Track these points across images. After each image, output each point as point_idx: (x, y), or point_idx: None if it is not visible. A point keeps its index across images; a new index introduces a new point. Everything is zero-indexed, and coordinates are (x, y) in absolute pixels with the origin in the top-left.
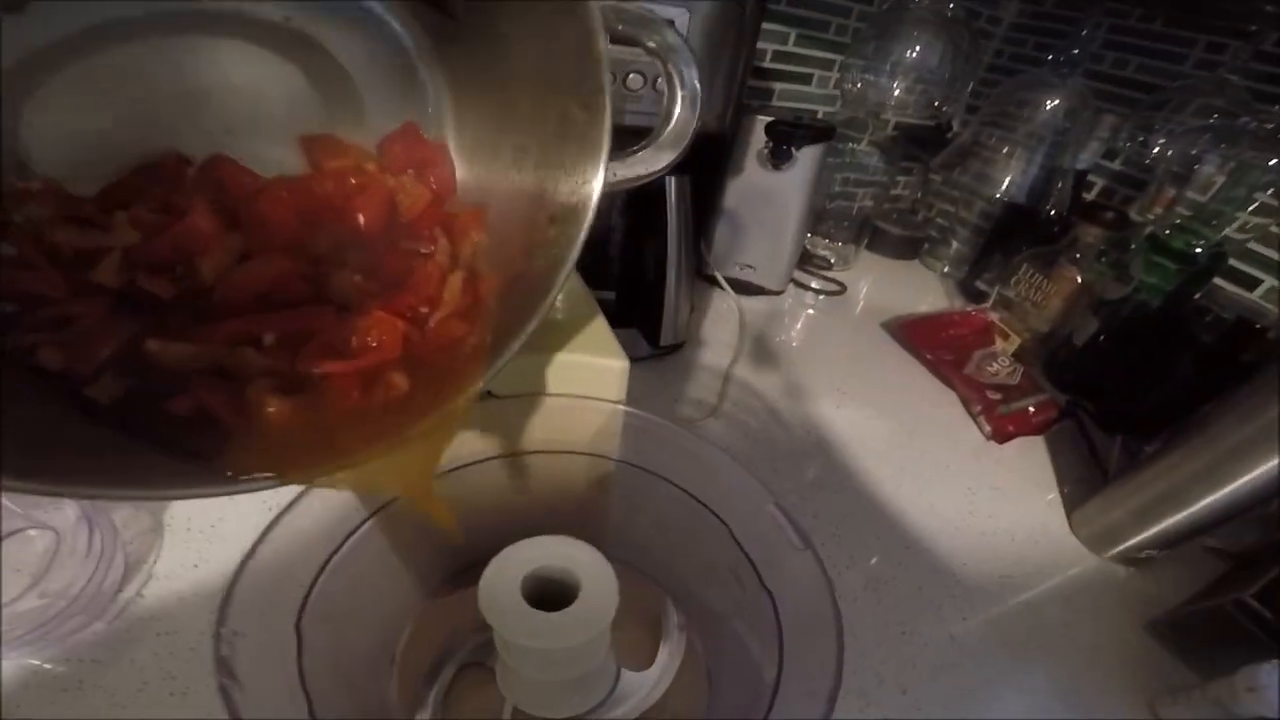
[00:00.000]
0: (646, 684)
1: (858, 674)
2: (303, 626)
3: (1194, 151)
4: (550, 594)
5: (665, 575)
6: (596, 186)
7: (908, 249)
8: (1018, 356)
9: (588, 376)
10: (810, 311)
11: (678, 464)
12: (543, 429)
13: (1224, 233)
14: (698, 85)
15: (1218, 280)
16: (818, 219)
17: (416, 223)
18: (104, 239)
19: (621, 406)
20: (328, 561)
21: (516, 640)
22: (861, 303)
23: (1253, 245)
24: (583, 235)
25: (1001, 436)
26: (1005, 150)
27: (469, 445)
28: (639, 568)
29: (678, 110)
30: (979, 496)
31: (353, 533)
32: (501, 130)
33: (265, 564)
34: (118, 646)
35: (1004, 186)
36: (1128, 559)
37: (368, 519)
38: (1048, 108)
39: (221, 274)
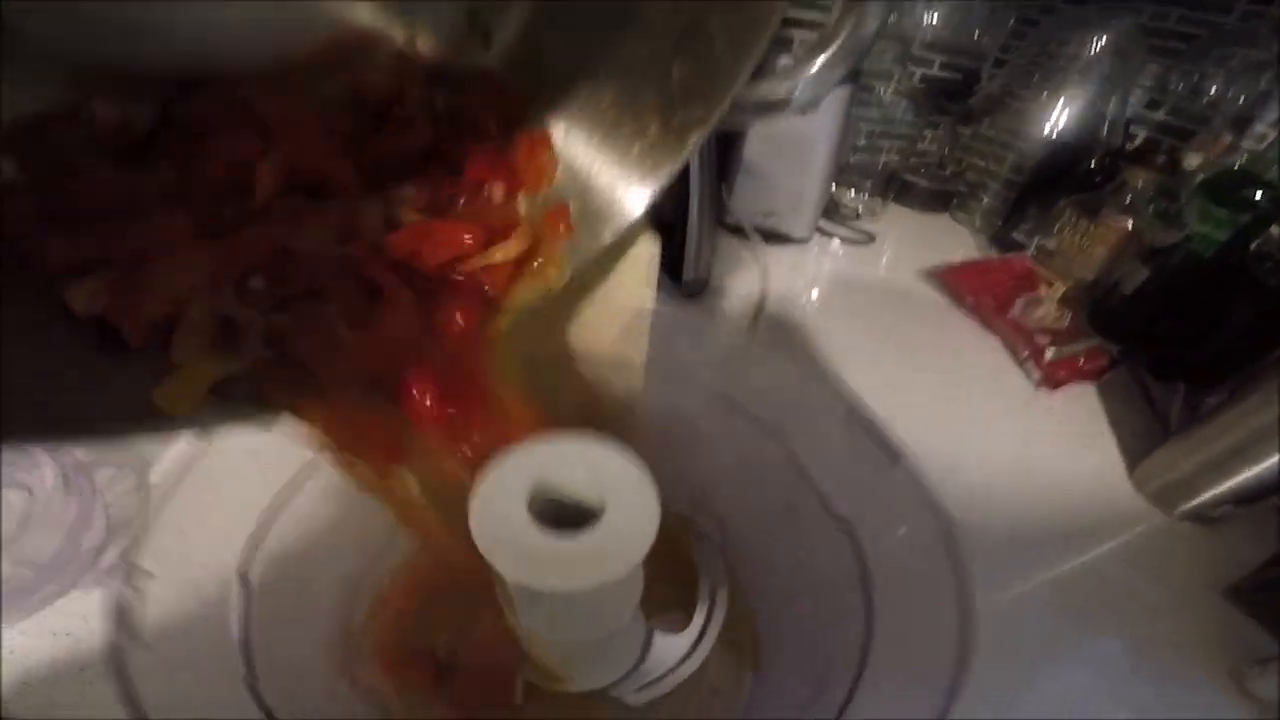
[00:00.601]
0: (681, 650)
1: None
2: (251, 573)
3: (1261, 88)
4: (566, 519)
5: (703, 516)
6: (712, 117)
7: (937, 202)
8: (1064, 303)
9: (610, 263)
10: (838, 260)
11: (719, 370)
12: (555, 331)
13: None
14: None
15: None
16: (841, 172)
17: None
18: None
19: (651, 295)
20: (289, 489)
21: (519, 576)
22: (891, 252)
23: None
24: (676, 167)
25: (1052, 383)
26: (1044, 95)
27: None
28: (670, 507)
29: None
30: (1031, 448)
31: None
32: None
33: (205, 485)
34: (93, 617)
35: (1044, 132)
36: (1199, 517)
37: None
38: (1094, 50)
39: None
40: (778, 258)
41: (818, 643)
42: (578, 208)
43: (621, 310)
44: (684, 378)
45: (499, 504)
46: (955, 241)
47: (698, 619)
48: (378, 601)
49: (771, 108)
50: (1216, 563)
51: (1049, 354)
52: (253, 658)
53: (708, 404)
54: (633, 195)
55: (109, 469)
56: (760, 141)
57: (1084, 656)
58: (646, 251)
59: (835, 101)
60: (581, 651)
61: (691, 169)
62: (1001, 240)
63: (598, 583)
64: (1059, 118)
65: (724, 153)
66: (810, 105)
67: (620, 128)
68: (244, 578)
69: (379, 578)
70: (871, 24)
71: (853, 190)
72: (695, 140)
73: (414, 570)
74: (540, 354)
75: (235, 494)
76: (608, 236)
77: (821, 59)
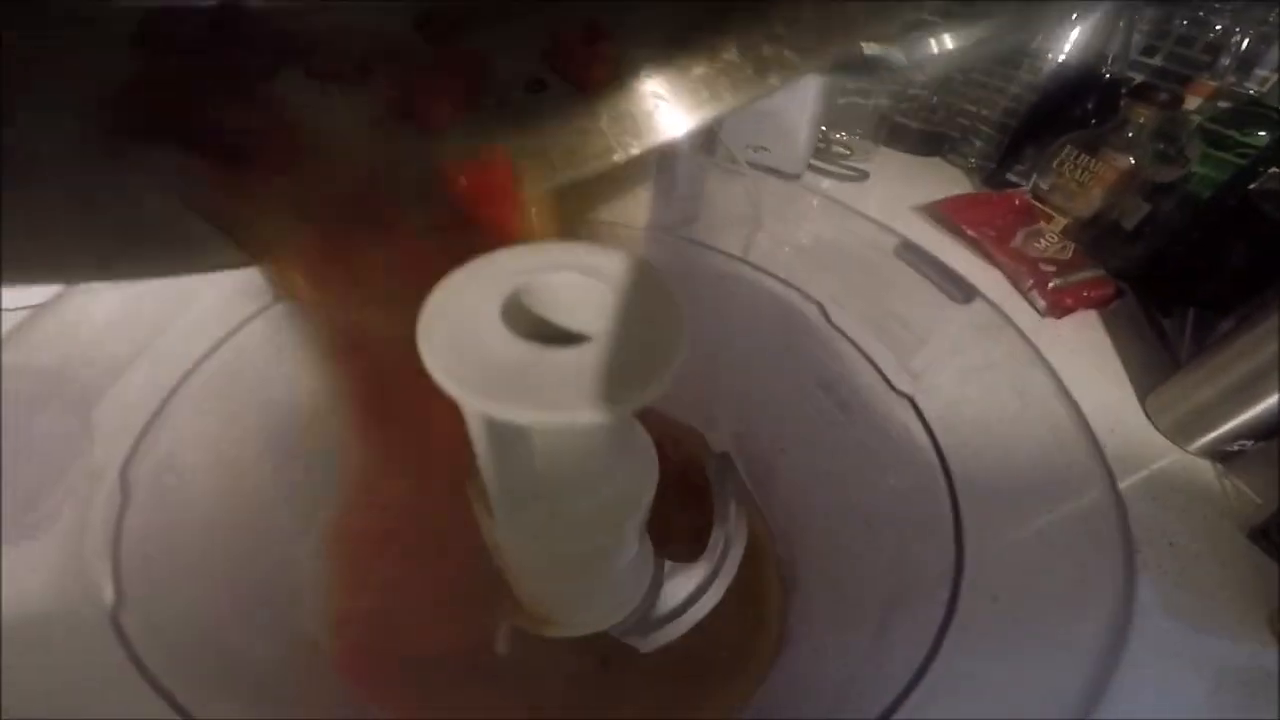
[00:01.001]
0: (692, 583)
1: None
2: (132, 474)
3: (1270, 20)
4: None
5: (715, 418)
6: (808, 64)
7: (929, 145)
8: (1065, 234)
9: None
10: (832, 196)
11: (737, 226)
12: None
13: None
14: None
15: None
16: (832, 114)
17: None
18: None
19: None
20: (196, 368)
21: (481, 402)
22: (885, 190)
23: None
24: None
25: (1059, 311)
26: (1040, 35)
27: None
28: (676, 414)
29: None
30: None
31: (248, 322)
32: None
33: (68, 353)
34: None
35: (1040, 73)
36: (1217, 453)
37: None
38: None
39: None
40: (768, 190)
41: (872, 574)
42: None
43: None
44: (689, 238)
45: (461, 308)
46: (949, 181)
47: (713, 548)
48: (324, 530)
49: (875, 67)
50: (1238, 503)
51: (1054, 282)
52: (122, 581)
53: (720, 268)
54: (669, 119)
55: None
56: None
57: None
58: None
59: None
60: (581, 574)
61: None
62: (996, 181)
63: (603, 413)
64: (1057, 56)
65: None
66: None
67: (686, 39)
68: (125, 477)
69: (324, 492)
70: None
71: (843, 133)
72: (775, 82)
73: (370, 484)
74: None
75: (131, 362)
76: (619, 157)
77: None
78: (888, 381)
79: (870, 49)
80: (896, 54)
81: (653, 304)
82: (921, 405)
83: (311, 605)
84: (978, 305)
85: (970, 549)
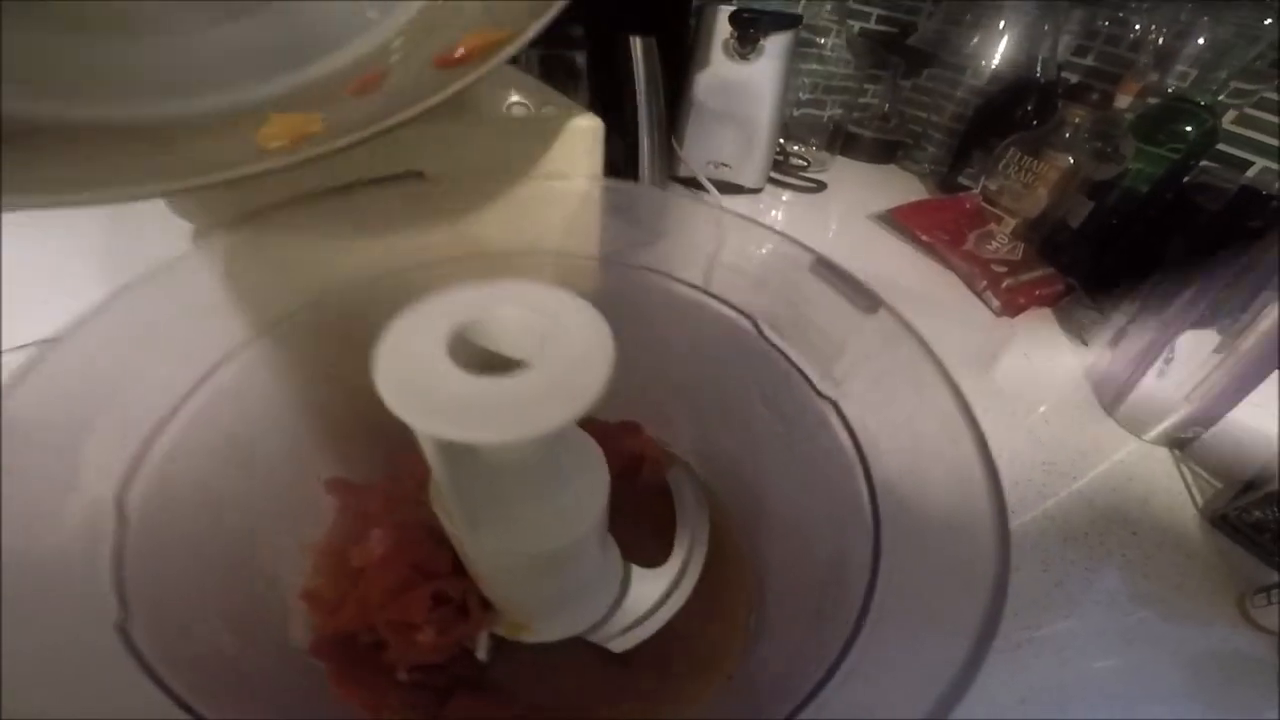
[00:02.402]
0: (661, 586)
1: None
2: (129, 499)
3: (1181, 19)
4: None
5: (674, 431)
6: None
7: (884, 153)
8: (1015, 235)
9: (549, 145)
10: (791, 207)
11: (678, 251)
12: (493, 223)
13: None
14: None
15: (1205, 163)
16: (788, 127)
17: None
18: None
19: (598, 181)
20: (181, 406)
21: (432, 426)
22: (842, 199)
23: (1242, 130)
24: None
25: (1012, 310)
26: (976, 40)
27: (392, 246)
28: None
29: None
30: (999, 375)
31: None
32: None
33: (62, 386)
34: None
35: (982, 77)
36: (1172, 440)
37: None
38: None
39: None
40: (730, 206)
41: (812, 570)
42: None
43: (566, 193)
44: (637, 263)
45: (410, 346)
46: (904, 188)
47: (678, 552)
48: (308, 550)
49: None
50: (1197, 489)
51: (1007, 282)
52: (130, 610)
53: (664, 291)
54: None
55: None
56: (707, 90)
57: (1087, 590)
58: (588, 125)
59: (777, 47)
60: (547, 575)
61: (640, 116)
62: (949, 185)
63: (536, 430)
64: (993, 60)
65: (673, 104)
66: None
67: None
68: (120, 503)
69: (304, 516)
70: None
71: (800, 145)
72: None
73: (351, 505)
74: (477, 247)
75: (116, 394)
76: None
77: None
78: (814, 388)
79: None
80: None
81: (584, 334)
82: (844, 408)
83: (301, 622)
84: (882, 315)
85: (886, 538)
